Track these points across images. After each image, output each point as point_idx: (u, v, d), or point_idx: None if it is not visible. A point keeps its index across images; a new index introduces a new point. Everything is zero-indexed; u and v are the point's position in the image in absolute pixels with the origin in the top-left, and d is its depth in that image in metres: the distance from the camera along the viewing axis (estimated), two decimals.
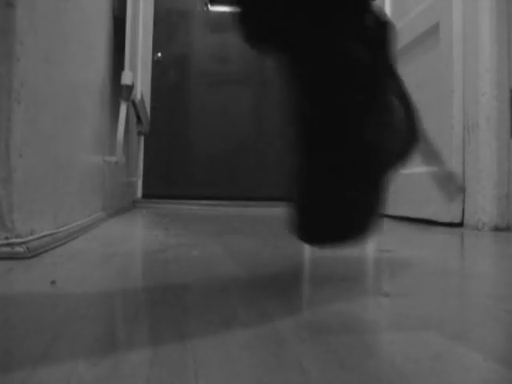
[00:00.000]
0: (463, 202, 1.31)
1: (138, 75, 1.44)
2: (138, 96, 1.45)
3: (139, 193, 2.74)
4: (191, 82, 2.89)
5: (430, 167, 0.58)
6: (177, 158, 2.88)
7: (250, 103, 2.88)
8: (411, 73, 1.64)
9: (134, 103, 1.57)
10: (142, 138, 2.67)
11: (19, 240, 0.57)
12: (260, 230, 1.12)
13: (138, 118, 1.99)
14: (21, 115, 0.58)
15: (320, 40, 0.48)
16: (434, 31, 1.46)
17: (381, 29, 0.57)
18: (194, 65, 2.90)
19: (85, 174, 1.01)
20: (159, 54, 2.85)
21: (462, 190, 0.60)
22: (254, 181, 2.83)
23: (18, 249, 0.56)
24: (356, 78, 0.49)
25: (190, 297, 0.40)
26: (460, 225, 1.31)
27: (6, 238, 0.56)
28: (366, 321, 0.36)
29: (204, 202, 2.57)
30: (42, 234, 0.65)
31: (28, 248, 0.57)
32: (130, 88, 1.34)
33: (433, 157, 0.62)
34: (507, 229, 1.22)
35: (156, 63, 2.85)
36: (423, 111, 1.68)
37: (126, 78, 1.31)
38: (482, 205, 1.23)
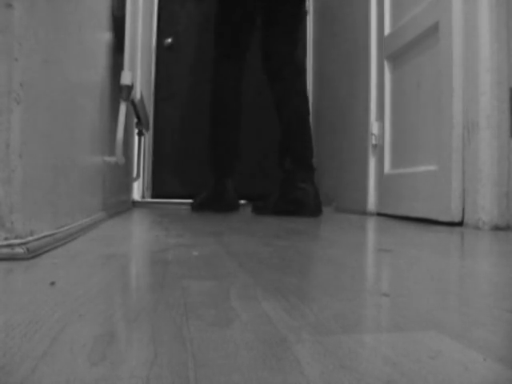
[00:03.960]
0: (463, 201, 1.31)
1: (138, 75, 1.44)
2: (138, 96, 1.45)
3: (139, 193, 2.72)
4: (204, 69, 2.43)
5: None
6: (185, 156, 2.63)
7: (266, 91, 2.29)
8: (411, 72, 1.64)
9: (133, 103, 1.57)
10: (142, 138, 2.66)
11: (19, 241, 0.57)
12: (260, 230, 1.12)
13: (138, 118, 1.99)
14: (20, 115, 0.58)
15: None
16: (433, 31, 1.46)
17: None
18: (206, 51, 2.38)
19: (85, 175, 1.01)
20: (169, 40, 2.55)
21: None
22: (267, 179, 2.60)
23: (18, 250, 0.56)
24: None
25: (190, 297, 0.40)
26: (460, 224, 1.31)
27: (6, 239, 0.56)
28: (366, 321, 0.36)
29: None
30: (42, 235, 0.65)
31: (28, 249, 0.57)
32: (130, 88, 1.34)
33: None
34: (507, 228, 1.22)
35: (167, 49, 2.57)
36: (423, 110, 1.68)
37: (126, 78, 1.31)
38: (482, 204, 1.23)
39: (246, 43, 1.91)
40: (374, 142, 1.92)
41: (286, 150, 1.86)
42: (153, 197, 2.65)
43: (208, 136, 2.01)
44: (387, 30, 1.83)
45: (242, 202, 2.19)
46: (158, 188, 2.65)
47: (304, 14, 2.69)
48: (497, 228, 1.21)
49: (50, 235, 0.67)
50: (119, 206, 1.69)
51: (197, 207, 2.01)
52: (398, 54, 1.74)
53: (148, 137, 2.63)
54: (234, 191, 1.97)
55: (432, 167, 1.45)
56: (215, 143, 1.97)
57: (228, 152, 1.96)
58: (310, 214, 1.75)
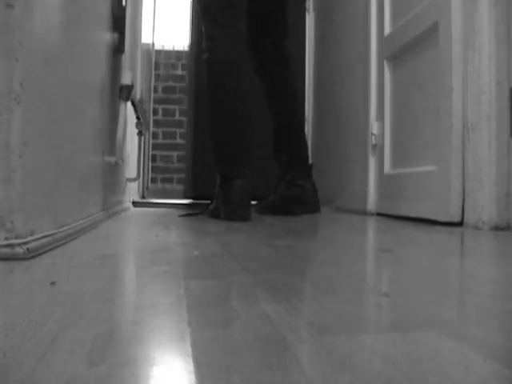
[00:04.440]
0: (463, 201, 1.31)
1: (138, 75, 1.44)
2: (138, 96, 1.45)
3: (139, 193, 2.72)
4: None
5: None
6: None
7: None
8: (411, 71, 1.64)
9: (133, 103, 1.57)
10: (142, 138, 2.65)
11: (19, 241, 0.57)
12: (260, 230, 1.12)
13: (138, 118, 1.99)
14: (20, 115, 0.58)
15: None
16: (433, 30, 1.46)
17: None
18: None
19: (84, 174, 1.01)
20: None
21: None
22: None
23: (18, 249, 0.56)
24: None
25: (191, 297, 0.40)
26: (460, 224, 1.31)
27: (6, 239, 0.56)
28: (366, 321, 0.36)
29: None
30: (42, 235, 0.65)
31: (28, 249, 0.57)
32: (130, 88, 1.34)
33: None
34: (507, 228, 1.22)
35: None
36: (423, 110, 1.68)
37: (126, 78, 1.31)
38: (482, 204, 1.23)
39: (239, 6, 1.49)
40: (373, 141, 1.92)
41: (278, 146, 1.82)
42: (194, 198, 2.48)
43: (209, 118, 1.53)
44: (387, 30, 1.83)
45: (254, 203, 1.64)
46: (199, 189, 2.44)
47: (303, 10, 2.67)
48: (496, 228, 1.21)
49: (49, 235, 0.67)
50: (119, 205, 1.69)
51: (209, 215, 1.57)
52: (397, 54, 1.74)
53: (147, 136, 2.60)
54: (244, 194, 1.42)
55: (432, 167, 1.45)
56: (216, 123, 1.49)
57: (239, 135, 1.44)
58: (309, 211, 1.74)
